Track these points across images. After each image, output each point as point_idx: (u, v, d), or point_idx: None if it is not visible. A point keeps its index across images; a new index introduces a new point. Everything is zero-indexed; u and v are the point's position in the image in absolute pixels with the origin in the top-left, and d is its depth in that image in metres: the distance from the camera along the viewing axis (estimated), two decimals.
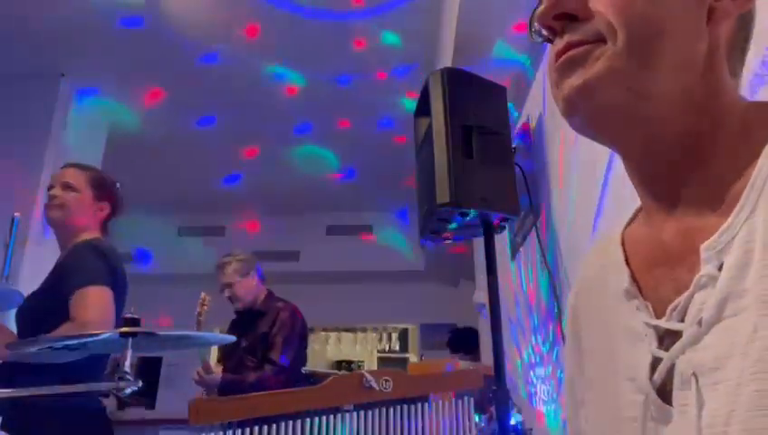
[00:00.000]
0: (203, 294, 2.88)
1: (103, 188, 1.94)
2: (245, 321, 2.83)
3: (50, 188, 1.90)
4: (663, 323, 0.47)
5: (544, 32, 0.52)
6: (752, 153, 0.45)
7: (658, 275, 0.50)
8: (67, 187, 1.87)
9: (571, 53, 0.49)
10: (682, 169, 0.49)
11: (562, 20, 0.50)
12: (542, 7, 0.51)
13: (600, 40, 0.48)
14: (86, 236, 1.83)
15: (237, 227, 5.79)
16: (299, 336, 2.72)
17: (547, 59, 0.55)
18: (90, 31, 3.33)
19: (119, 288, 1.77)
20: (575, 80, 0.48)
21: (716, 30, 0.49)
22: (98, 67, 3.68)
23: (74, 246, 1.80)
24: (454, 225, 1.96)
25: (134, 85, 3.88)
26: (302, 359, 2.77)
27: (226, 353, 2.82)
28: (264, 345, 2.66)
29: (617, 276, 0.54)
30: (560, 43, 0.50)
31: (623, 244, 0.57)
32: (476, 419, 2.01)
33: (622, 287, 0.52)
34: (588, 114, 0.50)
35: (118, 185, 2.02)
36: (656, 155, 0.50)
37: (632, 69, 0.47)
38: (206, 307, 2.85)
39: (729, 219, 0.44)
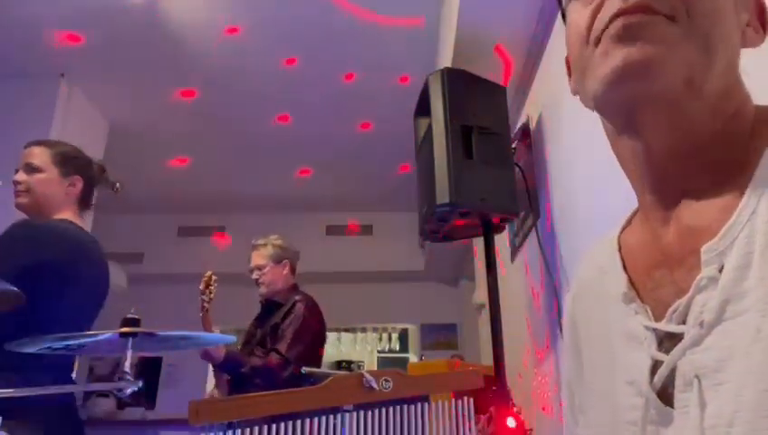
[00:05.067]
0: (207, 273, 2.65)
1: (70, 162, 1.81)
2: (265, 313, 2.72)
3: (15, 172, 1.77)
4: (663, 326, 0.47)
5: None
6: (755, 157, 0.45)
7: (658, 276, 0.50)
8: (31, 169, 1.75)
9: (640, 17, 0.45)
10: (693, 171, 0.49)
11: None
12: None
13: (671, 15, 0.45)
14: (58, 218, 1.72)
15: (237, 226, 5.79)
16: (312, 333, 2.58)
17: (570, 23, 0.52)
18: (90, 31, 3.33)
19: (76, 280, 1.62)
20: (636, 52, 0.45)
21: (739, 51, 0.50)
22: (98, 67, 3.68)
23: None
24: (453, 225, 1.96)
25: (134, 85, 3.89)
26: (313, 357, 2.58)
27: (242, 346, 2.70)
28: (274, 336, 2.55)
29: (614, 281, 0.54)
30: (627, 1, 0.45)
31: (619, 248, 0.56)
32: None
33: (620, 291, 0.52)
34: (641, 92, 0.46)
35: (112, 179, 1.92)
36: (676, 156, 0.49)
37: (697, 59, 0.45)
38: (211, 287, 2.62)
39: (730, 221, 0.44)
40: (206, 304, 2.61)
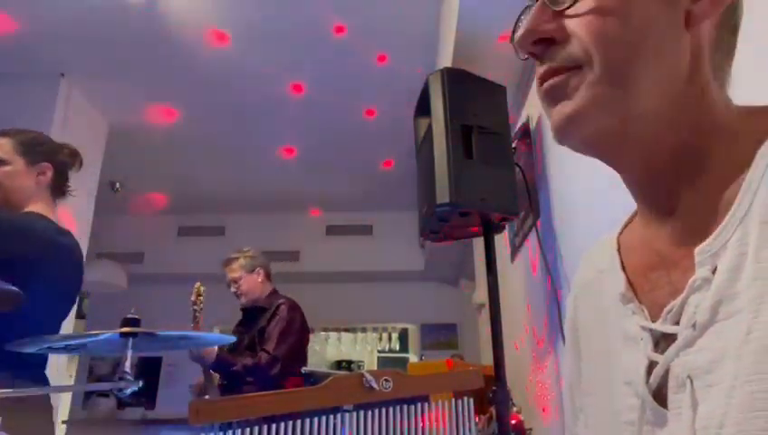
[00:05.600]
0: (197, 284, 2.73)
1: (35, 149, 1.71)
2: (249, 318, 2.85)
3: None
4: (658, 327, 0.47)
5: (524, 55, 0.52)
6: (743, 159, 0.44)
7: (654, 278, 0.50)
8: None
9: (551, 81, 0.48)
10: (677, 179, 0.49)
11: (541, 44, 0.49)
12: (519, 33, 0.50)
13: (578, 65, 0.47)
14: (27, 210, 1.63)
15: (237, 226, 5.79)
16: (296, 331, 2.73)
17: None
18: (90, 31, 3.33)
19: (37, 275, 1.52)
20: (562, 109, 0.48)
21: (697, 34, 0.47)
22: (98, 67, 3.68)
23: None
24: (454, 225, 1.96)
25: (134, 85, 3.88)
26: (299, 355, 2.75)
27: (228, 352, 2.80)
28: (261, 338, 2.69)
29: (613, 281, 0.54)
30: (541, 68, 0.50)
31: (619, 248, 0.57)
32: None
33: (618, 291, 0.53)
34: (580, 142, 0.49)
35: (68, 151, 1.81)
36: (653, 170, 0.50)
37: (615, 95, 0.46)
38: (201, 298, 2.69)
39: (723, 223, 0.44)
40: (198, 315, 2.68)
